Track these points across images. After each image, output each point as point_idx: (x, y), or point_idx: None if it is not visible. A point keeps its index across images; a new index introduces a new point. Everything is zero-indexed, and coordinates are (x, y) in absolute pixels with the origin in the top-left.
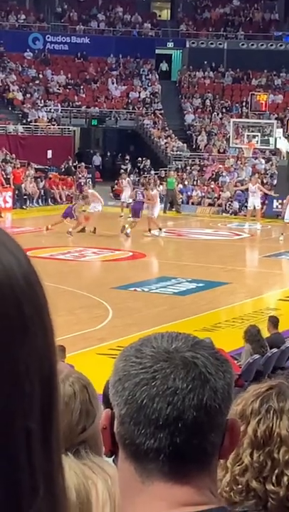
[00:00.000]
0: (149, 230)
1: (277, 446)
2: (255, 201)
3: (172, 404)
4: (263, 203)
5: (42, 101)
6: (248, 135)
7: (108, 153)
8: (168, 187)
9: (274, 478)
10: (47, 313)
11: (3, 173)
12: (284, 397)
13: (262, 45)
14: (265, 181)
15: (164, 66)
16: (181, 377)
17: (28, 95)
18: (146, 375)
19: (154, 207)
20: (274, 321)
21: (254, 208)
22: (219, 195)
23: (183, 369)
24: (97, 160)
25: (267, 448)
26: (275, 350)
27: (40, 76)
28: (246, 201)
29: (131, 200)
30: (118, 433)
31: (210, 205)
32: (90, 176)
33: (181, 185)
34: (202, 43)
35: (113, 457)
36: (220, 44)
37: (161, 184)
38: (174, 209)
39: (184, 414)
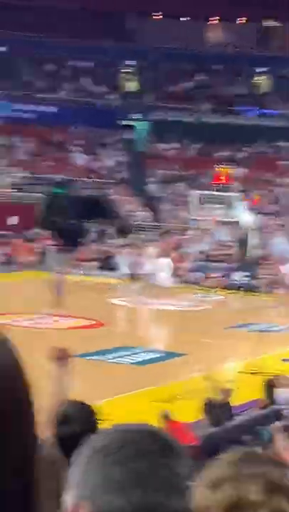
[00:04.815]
0: None
1: None
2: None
3: None
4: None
5: (5, 167)
6: (210, 207)
7: (71, 221)
8: None
9: None
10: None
11: None
12: None
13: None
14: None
15: (129, 136)
16: None
17: None
18: None
19: None
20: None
21: None
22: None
23: None
24: (64, 227)
25: None
26: None
27: (6, 143)
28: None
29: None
30: None
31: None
32: (53, 243)
33: None
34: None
35: None
36: (185, 117)
37: None
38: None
39: None
